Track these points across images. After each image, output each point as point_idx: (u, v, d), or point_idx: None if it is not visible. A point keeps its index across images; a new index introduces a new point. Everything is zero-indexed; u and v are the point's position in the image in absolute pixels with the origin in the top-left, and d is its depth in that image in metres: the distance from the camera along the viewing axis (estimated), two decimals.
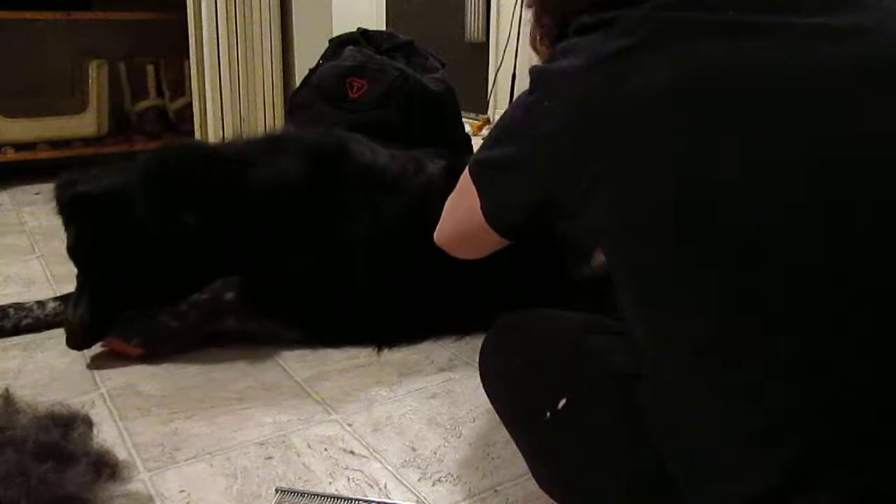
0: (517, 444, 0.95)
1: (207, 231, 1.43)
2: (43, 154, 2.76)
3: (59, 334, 1.53)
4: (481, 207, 0.87)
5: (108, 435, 1.16)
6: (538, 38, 0.93)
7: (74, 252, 1.46)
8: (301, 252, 1.49)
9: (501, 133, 0.85)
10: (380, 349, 1.50)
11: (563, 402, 0.82)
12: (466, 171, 0.89)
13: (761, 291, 0.63)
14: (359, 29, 2.22)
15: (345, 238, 1.52)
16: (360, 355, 1.48)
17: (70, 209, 1.46)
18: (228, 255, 1.46)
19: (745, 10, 0.70)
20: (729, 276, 0.64)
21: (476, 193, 0.87)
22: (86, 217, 1.45)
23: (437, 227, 1.00)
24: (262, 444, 1.17)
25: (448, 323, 1.56)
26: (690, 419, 0.67)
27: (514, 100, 0.88)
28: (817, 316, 0.61)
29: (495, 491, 1.07)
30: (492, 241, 0.91)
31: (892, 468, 0.57)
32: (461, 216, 0.93)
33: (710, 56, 0.68)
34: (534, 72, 0.80)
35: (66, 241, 1.48)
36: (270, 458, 1.13)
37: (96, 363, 1.42)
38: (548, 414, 0.83)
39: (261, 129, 2.80)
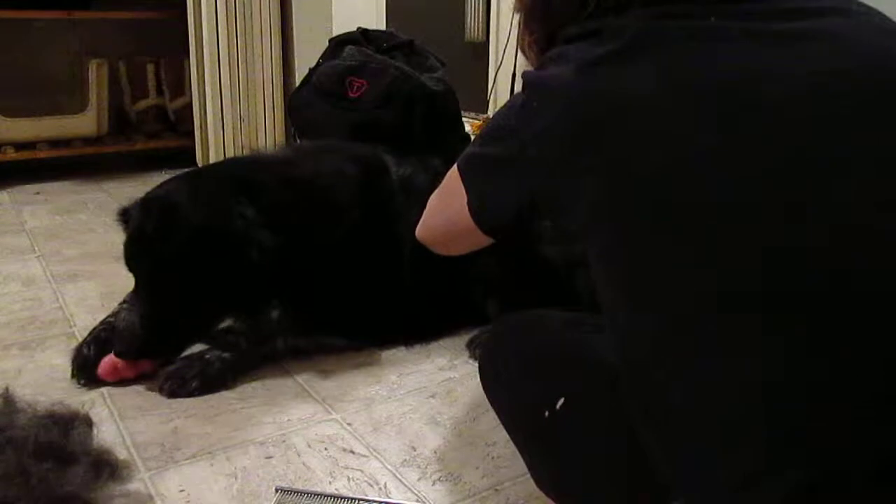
0: (516, 444, 0.95)
1: (281, 251, 1.34)
2: (43, 153, 2.77)
3: (59, 334, 1.53)
4: (468, 204, 0.87)
5: (108, 435, 1.16)
6: (527, 44, 0.94)
7: (148, 260, 1.33)
8: (357, 260, 1.48)
9: (491, 133, 0.86)
10: (408, 344, 1.53)
11: (561, 401, 0.82)
12: (453, 168, 0.90)
13: (737, 285, 0.64)
14: (359, 28, 2.21)
15: (393, 242, 1.52)
16: (361, 355, 1.49)
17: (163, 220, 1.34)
18: (282, 274, 1.35)
19: (725, 17, 0.72)
20: (707, 269, 0.65)
21: (463, 190, 0.87)
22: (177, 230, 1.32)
23: (420, 223, 1.00)
24: (262, 443, 1.17)
25: (463, 315, 1.59)
26: (673, 409, 0.68)
27: (506, 101, 0.89)
28: (797, 308, 0.62)
29: (495, 490, 1.07)
30: (476, 239, 0.92)
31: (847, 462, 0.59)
32: (447, 213, 0.93)
33: (693, 61, 0.70)
34: (525, 76, 0.82)
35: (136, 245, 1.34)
36: (270, 457, 1.13)
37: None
38: (546, 414, 0.83)
39: (261, 129, 2.81)
